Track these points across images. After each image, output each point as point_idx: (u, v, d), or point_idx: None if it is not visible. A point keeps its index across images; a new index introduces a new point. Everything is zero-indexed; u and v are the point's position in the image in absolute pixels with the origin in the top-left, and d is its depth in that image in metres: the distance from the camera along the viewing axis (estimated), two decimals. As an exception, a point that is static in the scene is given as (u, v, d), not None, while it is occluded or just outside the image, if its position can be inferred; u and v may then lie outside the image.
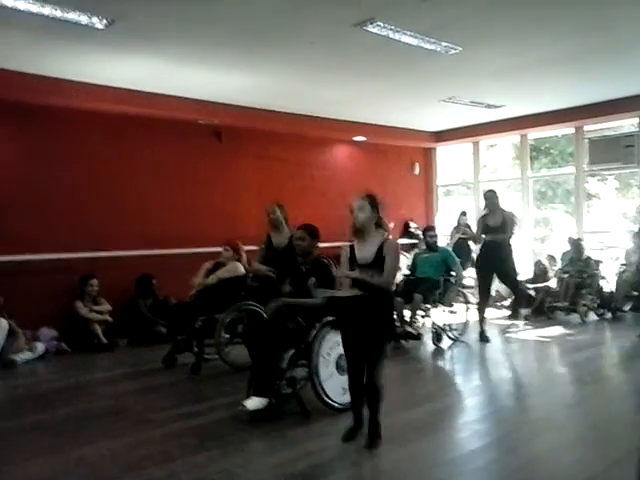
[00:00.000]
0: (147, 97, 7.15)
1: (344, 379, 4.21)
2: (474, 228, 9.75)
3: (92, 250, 7.05)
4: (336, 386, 4.17)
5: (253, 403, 3.94)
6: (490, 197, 6.75)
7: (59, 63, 6.01)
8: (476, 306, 6.94)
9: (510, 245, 6.72)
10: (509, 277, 6.90)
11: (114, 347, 6.76)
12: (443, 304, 6.56)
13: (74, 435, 3.90)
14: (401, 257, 10.10)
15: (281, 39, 5.56)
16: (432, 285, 6.52)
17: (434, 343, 6.50)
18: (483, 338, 6.68)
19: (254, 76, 6.73)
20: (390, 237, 3.62)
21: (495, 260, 6.65)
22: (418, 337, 6.52)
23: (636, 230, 8.15)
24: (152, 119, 7.58)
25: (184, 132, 8.00)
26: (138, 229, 7.49)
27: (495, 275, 6.86)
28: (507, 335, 6.77)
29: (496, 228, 6.62)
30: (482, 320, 6.80)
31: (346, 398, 4.19)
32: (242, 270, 6.01)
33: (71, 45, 5.50)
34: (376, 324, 3.51)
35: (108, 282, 7.04)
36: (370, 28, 5.23)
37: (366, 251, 3.52)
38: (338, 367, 4.22)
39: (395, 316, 6.48)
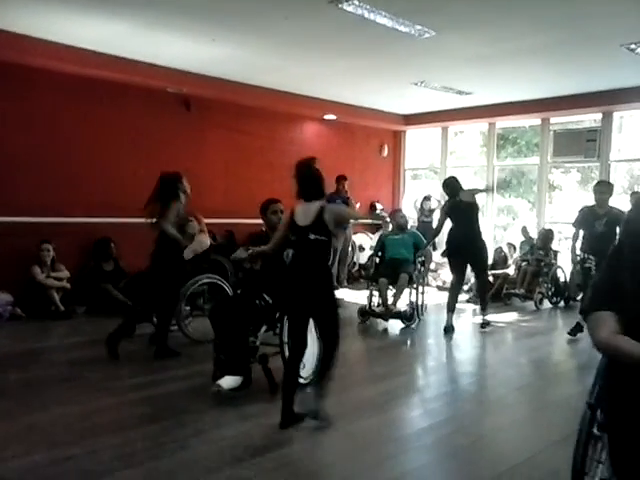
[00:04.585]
0: (114, 60, 6.96)
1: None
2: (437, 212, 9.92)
3: (51, 215, 6.89)
4: None
5: (228, 382, 3.87)
6: (447, 190, 6.50)
7: (20, 18, 5.76)
8: (448, 293, 6.77)
9: (480, 232, 6.47)
10: (480, 267, 6.62)
11: (72, 314, 6.66)
12: (411, 285, 6.67)
13: (26, 401, 3.86)
14: (365, 237, 10.26)
15: (255, 12, 5.47)
16: (411, 266, 6.68)
17: (404, 322, 6.56)
18: (448, 329, 6.32)
19: (226, 47, 6.61)
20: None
21: (468, 248, 6.36)
22: (408, 316, 6.57)
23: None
24: (118, 84, 7.39)
25: (151, 99, 7.83)
26: (100, 196, 7.35)
27: (469, 263, 6.63)
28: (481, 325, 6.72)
29: (465, 209, 6.33)
30: (452, 310, 6.45)
31: (305, 373, 4.25)
32: (208, 243, 6.01)
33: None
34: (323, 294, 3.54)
35: (67, 248, 6.92)
36: (345, 6, 5.19)
37: None
38: None
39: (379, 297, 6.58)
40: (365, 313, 6.74)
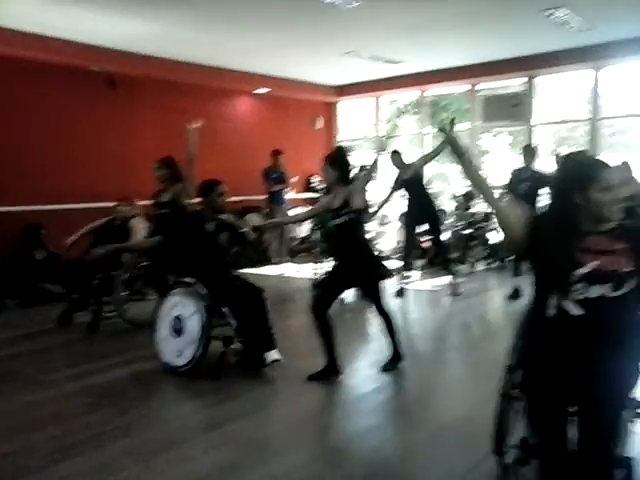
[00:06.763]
0: (31, 38, 6.63)
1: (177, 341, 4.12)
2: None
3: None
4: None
5: (275, 355, 4.03)
6: (394, 160, 6.83)
7: None
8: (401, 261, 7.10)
9: (431, 195, 6.89)
10: (434, 230, 6.82)
11: (2, 309, 6.38)
12: None
13: (-42, 400, 3.72)
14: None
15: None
16: None
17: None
18: (399, 292, 6.72)
19: (151, 22, 6.40)
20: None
21: (420, 213, 6.67)
22: None
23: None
24: (38, 63, 7.03)
25: (74, 79, 7.50)
26: (24, 181, 7.01)
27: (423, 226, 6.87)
28: (403, 286, 6.94)
29: (411, 180, 6.56)
30: (402, 276, 6.80)
31: (180, 361, 4.03)
32: (145, 226, 5.88)
33: None
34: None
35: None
36: (268, -24, 5.11)
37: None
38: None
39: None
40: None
